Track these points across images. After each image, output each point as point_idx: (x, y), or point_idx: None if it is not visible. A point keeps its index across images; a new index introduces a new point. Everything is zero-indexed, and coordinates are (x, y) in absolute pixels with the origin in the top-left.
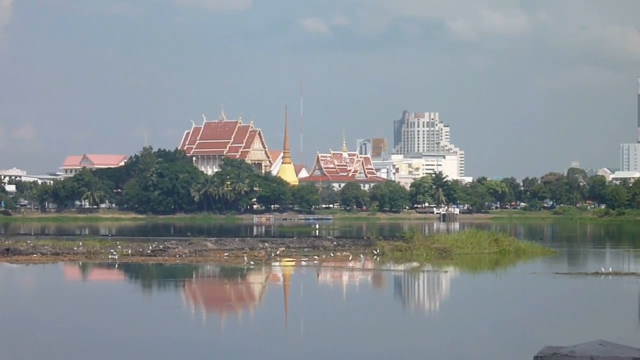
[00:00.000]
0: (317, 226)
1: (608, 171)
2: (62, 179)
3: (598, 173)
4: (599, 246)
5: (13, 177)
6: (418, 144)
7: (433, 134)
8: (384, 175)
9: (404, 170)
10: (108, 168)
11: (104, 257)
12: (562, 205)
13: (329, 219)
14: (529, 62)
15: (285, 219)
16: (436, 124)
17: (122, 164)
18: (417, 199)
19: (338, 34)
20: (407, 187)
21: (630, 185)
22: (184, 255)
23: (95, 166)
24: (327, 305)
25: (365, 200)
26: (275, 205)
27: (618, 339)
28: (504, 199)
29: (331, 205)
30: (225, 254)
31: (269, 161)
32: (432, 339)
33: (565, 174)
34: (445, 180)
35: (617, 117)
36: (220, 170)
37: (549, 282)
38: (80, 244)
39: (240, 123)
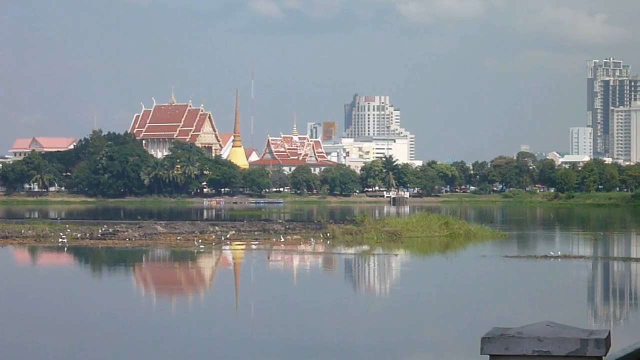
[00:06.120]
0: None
1: (557, 155)
2: (11, 162)
3: (547, 157)
4: (548, 229)
5: None
6: (369, 127)
7: (383, 118)
8: (334, 159)
9: (355, 153)
10: (57, 151)
11: (54, 241)
12: (511, 188)
13: (280, 202)
14: (480, 45)
15: (236, 203)
16: (387, 108)
17: (72, 147)
18: (367, 182)
19: (290, 17)
20: (358, 171)
21: (580, 168)
22: (134, 239)
23: (45, 149)
24: (277, 288)
25: (316, 183)
26: (226, 189)
27: (566, 320)
28: (454, 182)
29: (282, 189)
30: (178, 238)
31: (220, 144)
32: (382, 322)
33: (515, 158)
34: (395, 163)
35: (567, 101)
36: (170, 153)
37: (498, 265)
38: (30, 227)
39: (190, 106)
